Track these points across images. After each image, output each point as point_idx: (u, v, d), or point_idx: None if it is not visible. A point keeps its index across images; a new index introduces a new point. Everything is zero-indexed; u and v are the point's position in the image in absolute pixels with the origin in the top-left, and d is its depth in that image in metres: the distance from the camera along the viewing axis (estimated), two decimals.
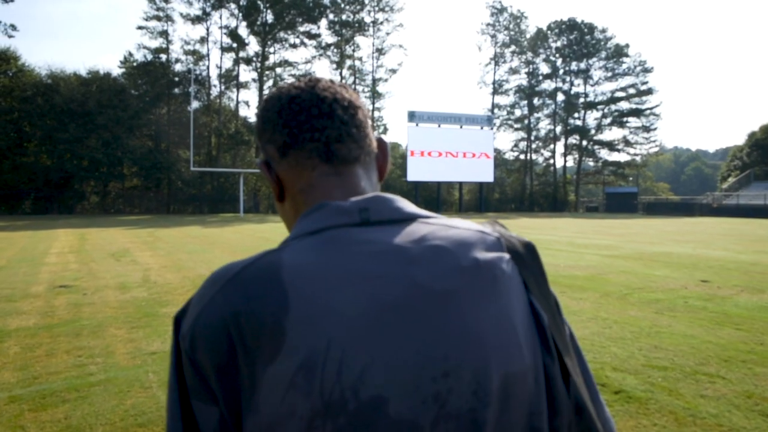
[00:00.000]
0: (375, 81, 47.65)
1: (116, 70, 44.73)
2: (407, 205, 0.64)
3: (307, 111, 0.66)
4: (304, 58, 50.47)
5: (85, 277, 8.35)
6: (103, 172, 35.77)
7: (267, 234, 17.57)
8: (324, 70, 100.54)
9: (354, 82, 47.56)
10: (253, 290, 0.54)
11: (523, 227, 21.75)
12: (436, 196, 46.71)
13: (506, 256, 0.61)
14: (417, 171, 42.25)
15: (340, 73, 46.48)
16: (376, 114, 48.44)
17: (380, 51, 47.60)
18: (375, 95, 47.68)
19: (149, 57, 41.27)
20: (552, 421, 0.59)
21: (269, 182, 0.69)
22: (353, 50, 47.08)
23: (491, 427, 0.54)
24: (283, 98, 0.67)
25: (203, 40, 42.86)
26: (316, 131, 0.65)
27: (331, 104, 0.66)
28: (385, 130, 49.07)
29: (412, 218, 0.62)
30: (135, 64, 41.20)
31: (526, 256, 0.63)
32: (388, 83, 75.70)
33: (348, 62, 46.77)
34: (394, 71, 48.13)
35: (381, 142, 0.73)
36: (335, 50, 45.96)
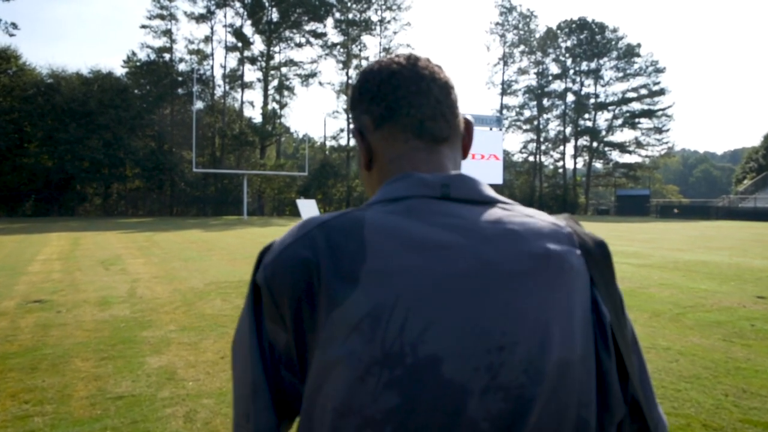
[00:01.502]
0: None
1: (119, 70, 44.05)
2: (488, 189, 0.67)
3: (406, 87, 0.69)
4: (309, 57, 50.05)
5: (65, 290, 7.50)
6: (104, 174, 35.09)
7: (271, 239, 16.70)
8: (330, 69, 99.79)
9: None
10: (336, 237, 0.59)
11: None
12: None
13: (577, 251, 0.63)
14: None
15: (347, 73, 45.67)
16: None
17: (387, 50, 46.74)
18: None
19: (152, 56, 40.65)
20: (601, 415, 0.61)
21: (360, 150, 0.73)
22: (360, 50, 46.30)
23: (538, 406, 0.56)
24: (384, 72, 0.70)
25: (207, 40, 42.21)
26: (412, 107, 0.68)
27: (429, 83, 0.69)
28: None
29: (491, 201, 0.65)
30: (138, 63, 40.55)
31: (597, 254, 0.65)
32: None
33: (354, 62, 45.95)
34: None
35: (467, 123, 0.76)
36: (341, 50, 45.18)
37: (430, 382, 0.54)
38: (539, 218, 0.65)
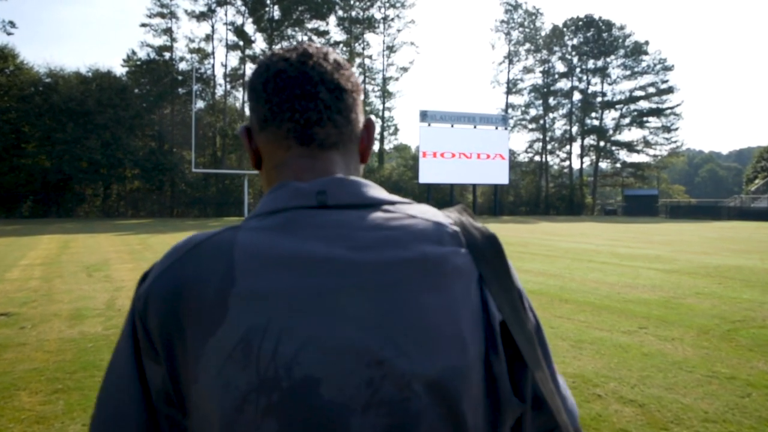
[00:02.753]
0: (385, 80, 46.09)
1: (119, 70, 43.45)
2: (369, 190, 0.63)
3: (290, 89, 0.64)
4: None
5: (38, 301, 6.78)
6: (103, 174, 34.41)
7: None
8: None
9: (364, 81, 45.98)
10: (204, 263, 0.57)
11: (546, 233, 20.01)
12: (449, 199, 44.94)
13: (462, 249, 0.61)
14: (429, 173, 40.59)
15: None
16: (387, 114, 46.85)
17: (391, 49, 46.04)
18: (385, 94, 46.12)
19: (152, 55, 39.99)
20: (493, 417, 0.59)
21: (247, 150, 0.70)
22: (363, 48, 45.58)
23: (426, 418, 0.54)
24: (271, 70, 0.65)
25: (208, 38, 41.54)
26: (296, 112, 0.64)
27: (317, 84, 0.64)
28: (396, 131, 47.60)
29: (372, 204, 0.62)
30: (138, 62, 39.91)
31: (487, 250, 0.62)
32: (399, 82, 74.00)
33: (358, 60, 45.22)
34: (405, 69, 46.56)
35: (368, 123, 0.71)
36: (344, 48, 44.42)
37: (309, 405, 0.52)
38: (422, 218, 0.62)
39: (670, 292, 7.28)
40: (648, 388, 3.72)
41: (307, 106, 0.64)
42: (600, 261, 10.78)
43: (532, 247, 13.75)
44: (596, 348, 4.68)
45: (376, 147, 46.96)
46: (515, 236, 18.07)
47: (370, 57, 46.18)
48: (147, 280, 0.60)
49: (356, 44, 44.97)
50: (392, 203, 0.63)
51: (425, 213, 0.63)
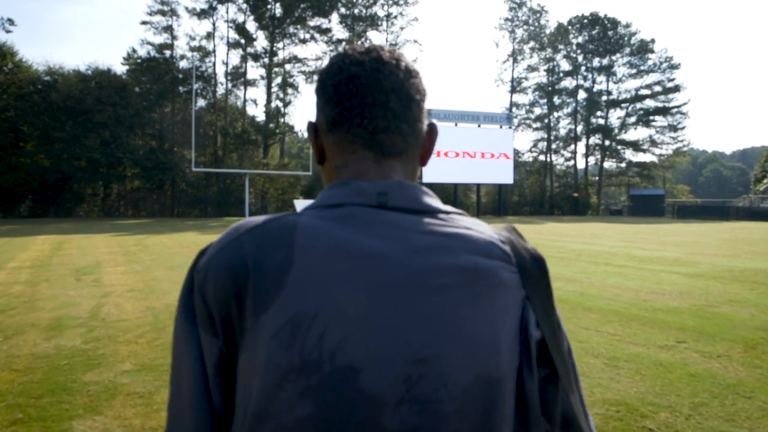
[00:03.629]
0: None
1: (120, 68, 43.03)
2: (428, 198, 0.65)
3: (362, 96, 0.65)
4: (314, 54, 48.46)
5: (18, 308, 6.27)
6: (102, 173, 33.90)
7: None
8: None
9: None
10: (266, 242, 0.59)
11: (555, 234, 19.46)
12: (452, 199, 44.37)
13: (511, 267, 0.62)
14: (433, 172, 39.98)
15: None
16: None
17: (394, 46, 45.40)
18: None
19: (153, 53, 39.52)
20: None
21: (312, 146, 0.71)
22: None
23: (454, 422, 0.56)
24: (344, 73, 0.66)
25: (209, 36, 41.04)
26: (365, 119, 0.65)
27: (388, 93, 0.65)
28: None
29: (431, 211, 0.63)
30: (138, 60, 39.44)
31: (534, 271, 0.64)
32: None
33: None
34: None
35: (431, 128, 0.72)
36: (347, 46, 43.85)
37: (346, 392, 0.54)
38: (476, 230, 0.63)
39: (701, 300, 6.73)
40: (705, 419, 3.18)
41: (376, 114, 0.65)
42: (617, 264, 10.23)
43: (543, 249, 13.20)
44: (634, 367, 4.14)
45: None
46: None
47: None
48: (206, 255, 0.62)
49: (359, 42, 44.38)
50: (447, 213, 0.64)
51: (479, 226, 0.65)
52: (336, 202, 0.62)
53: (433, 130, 0.72)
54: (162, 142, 38.33)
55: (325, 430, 0.54)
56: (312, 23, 42.44)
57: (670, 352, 4.51)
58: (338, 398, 0.53)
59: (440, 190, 44.92)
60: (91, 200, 36.12)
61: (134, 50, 40.46)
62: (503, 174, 43.31)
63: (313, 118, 0.71)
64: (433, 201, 0.64)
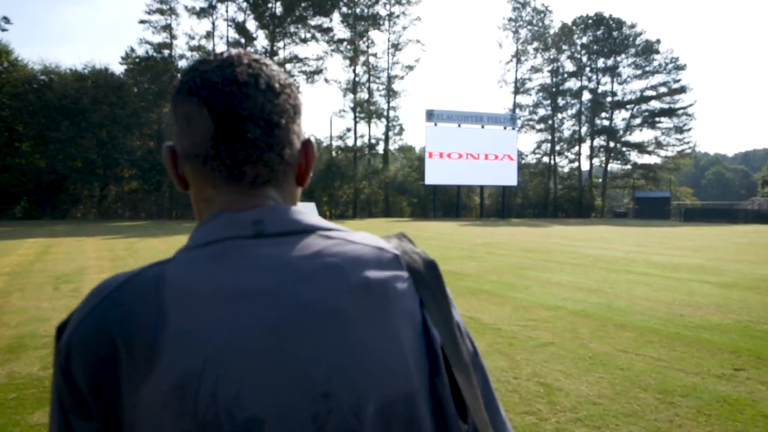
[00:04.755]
0: (390, 78, 44.87)
1: (118, 68, 42.41)
2: (307, 216, 0.61)
3: (216, 128, 0.57)
4: (315, 54, 47.59)
5: None
6: (98, 174, 33.25)
7: None
8: (336, 66, 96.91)
9: (368, 80, 44.82)
10: (132, 305, 0.52)
11: (564, 237, 18.75)
12: (455, 201, 43.70)
13: (404, 274, 0.60)
14: (435, 174, 39.35)
15: (354, 70, 43.77)
16: (392, 114, 45.63)
17: (396, 46, 44.81)
18: (390, 93, 44.89)
19: (151, 52, 38.89)
20: None
21: (171, 173, 0.63)
22: (368, 46, 44.37)
23: None
24: (194, 98, 0.58)
25: (209, 35, 40.44)
26: (222, 152, 0.58)
27: (246, 122, 0.58)
28: (401, 131, 46.27)
29: (310, 230, 0.59)
30: (136, 60, 38.82)
31: (427, 275, 0.61)
32: (404, 81, 71.62)
33: (362, 58, 44.05)
34: (410, 68, 45.31)
35: (306, 145, 0.65)
36: (348, 46, 43.27)
37: None
38: (362, 243, 0.60)
39: (743, 315, 6.03)
40: None
41: (234, 147, 0.58)
42: (639, 272, 9.52)
43: (556, 255, 12.50)
44: (694, 404, 3.44)
45: (380, 147, 45.82)
46: (533, 241, 16.81)
47: (374, 55, 44.99)
48: (66, 331, 0.54)
49: (361, 42, 43.78)
50: (329, 229, 0.61)
51: (364, 239, 0.61)
52: (209, 239, 0.56)
53: (309, 148, 0.65)
54: (160, 143, 37.65)
55: None
56: (313, 22, 41.80)
57: (731, 384, 3.82)
58: None
59: (443, 191, 44.22)
60: (88, 202, 35.48)
61: (132, 49, 39.83)
62: (507, 176, 42.59)
63: (170, 143, 0.63)
64: (314, 219, 0.60)
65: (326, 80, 44.43)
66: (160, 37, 39.55)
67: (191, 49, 40.27)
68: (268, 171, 0.60)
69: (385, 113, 44.96)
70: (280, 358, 0.51)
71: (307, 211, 0.61)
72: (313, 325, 0.53)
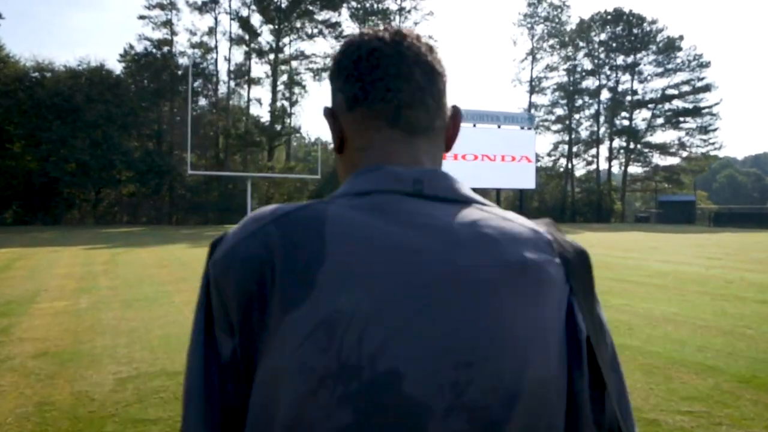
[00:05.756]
0: None
1: (116, 65, 40.54)
2: (465, 188, 0.61)
3: (384, 68, 0.61)
4: (323, 51, 45.39)
5: None
6: (93, 177, 31.19)
7: None
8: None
9: None
10: (294, 234, 0.53)
11: (609, 247, 16.56)
12: None
13: (557, 260, 0.58)
14: None
15: None
16: None
17: None
18: None
19: (151, 49, 37.00)
20: None
21: (331, 132, 0.67)
22: None
23: (503, 428, 0.51)
24: (363, 47, 0.62)
25: (211, 31, 38.56)
26: (389, 91, 0.61)
27: (412, 66, 0.61)
28: None
29: (467, 201, 0.60)
30: (135, 56, 36.92)
31: (577, 265, 0.59)
32: None
33: None
34: None
35: (454, 111, 0.68)
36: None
37: (388, 400, 0.48)
38: (518, 222, 0.59)
39: None
40: None
41: (401, 87, 0.61)
42: (755, 298, 7.33)
43: (620, 271, 10.32)
44: None
45: None
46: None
47: None
48: (223, 245, 0.56)
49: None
50: (485, 204, 0.61)
51: (519, 218, 0.61)
52: (367, 189, 0.57)
53: (457, 113, 0.67)
54: (160, 144, 35.77)
55: None
56: (320, 17, 39.84)
57: None
58: (380, 406, 0.48)
59: None
60: (83, 206, 33.51)
61: (131, 46, 37.91)
62: (525, 178, 40.27)
63: (328, 105, 0.67)
64: (470, 192, 0.61)
65: None
66: (160, 34, 37.74)
67: (192, 45, 38.43)
68: (427, 117, 0.63)
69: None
70: (429, 317, 0.51)
71: (463, 183, 0.61)
72: (466, 291, 0.52)
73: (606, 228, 31.89)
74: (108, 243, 17.47)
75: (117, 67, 36.68)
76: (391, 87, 0.60)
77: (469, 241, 0.54)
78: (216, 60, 39.01)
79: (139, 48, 37.36)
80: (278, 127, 38.83)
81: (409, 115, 0.61)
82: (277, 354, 0.50)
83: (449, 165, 36.81)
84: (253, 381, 0.52)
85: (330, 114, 0.66)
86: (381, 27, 0.64)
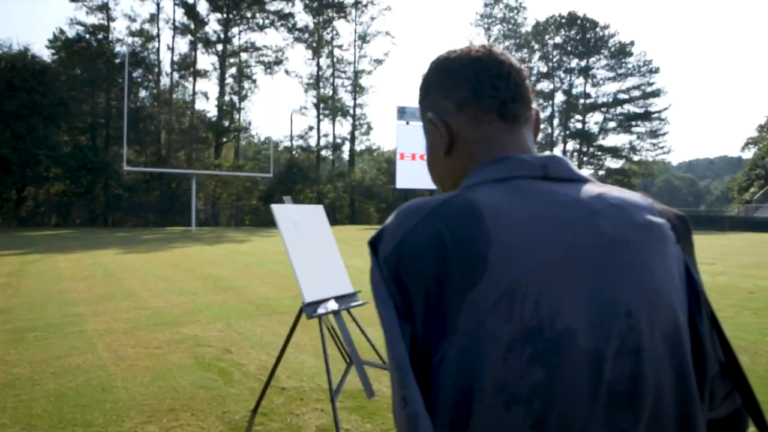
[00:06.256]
0: (357, 73, 41.33)
1: (44, 51, 37.00)
2: (577, 168, 0.70)
3: (488, 71, 0.72)
4: (275, 44, 42.67)
5: None
6: (14, 174, 27.95)
7: (222, 260, 10.91)
8: (298, 58, 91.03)
9: (333, 74, 41.11)
10: (456, 221, 0.60)
11: None
12: None
13: (668, 224, 0.67)
14: (407, 177, 35.88)
15: (317, 63, 40.01)
16: (358, 111, 42.04)
17: (364, 38, 41.35)
18: (357, 89, 41.32)
19: (84, 35, 33.86)
20: (699, 375, 0.63)
21: (438, 136, 0.75)
22: (332, 36, 40.70)
23: (661, 365, 0.60)
24: (464, 58, 0.74)
25: (153, 18, 35.75)
26: (495, 89, 0.71)
27: (508, 68, 0.73)
28: (369, 130, 42.82)
29: (584, 179, 0.69)
30: (66, 42, 33.67)
31: (681, 228, 0.68)
32: (372, 76, 66.95)
33: (326, 50, 40.34)
34: (379, 62, 42.10)
35: (536, 113, 0.77)
36: (311, 36, 39.44)
37: (569, 353, 0.56)
38: (630, 193, 0.68)
39: None
40: None
41: (505, 86, 0.71)
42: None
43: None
44: None
45: (346, 148, 42.21)
46: None
47: (340, 47, 41.37)
48: (387, 242, 0.63)
49: (324, 31, 40.04)
50: (595, 181, 0.69)
51: (625, 191, 0.69)
52: (503, 176, 0.66)
53: (538, 114, 0.77)
54: (94, 139, 32.71)
55: (557, 392, 0.56)
56: (272, 7, 37.86)
57: None
58: (564, 359, 0.56)
59: (414, 196, 41.00)
60: (3, 206, 30.01)
61: (62, 31, 34.57)
62: None
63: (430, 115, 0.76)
64: (582, 172, 0.69)
65: (287, 72, 40.58)
66: (95, 19, 34.63)
67: (132, 33, 35.55)
68: (526, 108, 0.73)
69: (351, 111, 41.36)
70: (589, 278, 0.59)
71: (570, 165, 0.69)
72: (613, 252, 0.61)
73: None
74: (24, 248, 15.01)
75: (45, 54, 33.39)
76: (496, 85, 0.71)
77: (603, 210, 0.63)
78: (158, 49, 36.31)
79: (71, 33, 34.17)
80: (226, 123, 36.49)
81: (512, 107, 0.71)
82: (461, 331, 0.57)
83: (408, 165, 35.66)
84: (442, 360, 0.58)
85: (439, 120, 0.73)
86: (465, 46, 0.75)
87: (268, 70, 37.71)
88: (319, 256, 3.05)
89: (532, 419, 0.56)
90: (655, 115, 46.94)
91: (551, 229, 0.61)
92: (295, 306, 6.58)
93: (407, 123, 36.21)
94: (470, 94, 0.71)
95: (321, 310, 2.77)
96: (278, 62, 38.36)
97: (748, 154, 53.45)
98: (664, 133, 47.30)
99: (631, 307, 0.59)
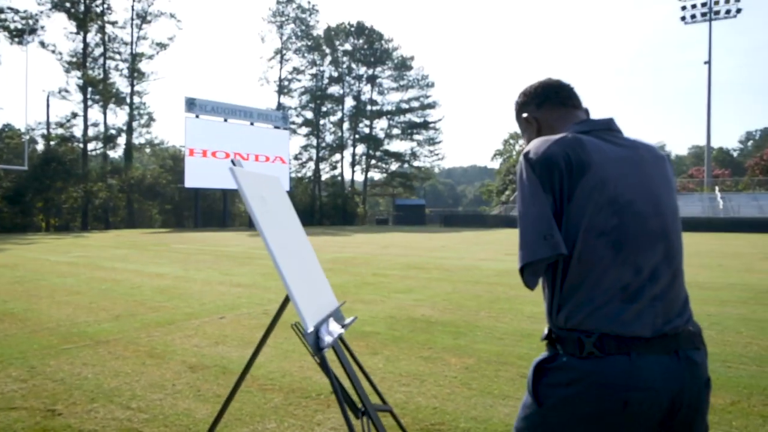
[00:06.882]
0: (136, 56, 36.38)
1: None
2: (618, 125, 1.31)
3: (554, 88, 1.36)
4: (26, 9, 33.96)
5: None
6: None
7: None
8: (58, 30, 71.99)
9: (104, 54, 35.44)
10: (570, 147, 1.15)
11: (405, 247, 15.90)
12: (221, 208, 37.66)
13: (666, 156, 1.32)
14: (197, 175, 32.88)
15: (84, 38, 34.04)
16: (137, 100, 37.04)
17: (144, 18, 36.58)
18: (136, 74, 36.35)
19: None
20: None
21: (531, 128, 1.38)
22: (103, 10, 35.03)
23: (675, 223, 1.23)
24: (542, 84, 1.38)
25: None
26: (559, 94, 1.36)
27: (565, 86, 1.37)
28: (150, 122, 37.96)
29: (622, 131, 1.29)
30: None
31: (668, 160, 1.33)
32: (154, 61, 59.68)
33: (95, 26, 34.55)
34: (163, 46, 37.59)
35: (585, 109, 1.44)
36: (78, 6, 33.33)
37: (630, 210, 1.14)
38: (646, 141, 1.30)
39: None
40: None
41: (563, 92, 1.36)
42: None
43: (468, 273, 9.24)
44: None
45: (122, 141, 36.83)
46: (405, 255, 13.37)
47: (113, 23, 35.84)
48: (537, 152, 1.17)
49: (93, 3, 34.25)
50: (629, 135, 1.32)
51: (643, 140, 1.34)
52: (586, 129, 1.24)
53: (586, 110, 1.43)
54: None
55: (624, 230, 1.13)
56: None
57: None
58: (628, 214, 1.14)
59: (204, 196, 37.73)
60: None
61: None
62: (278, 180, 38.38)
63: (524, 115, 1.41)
64: (621, 128, 1.31)
65: (43, 44, 33.24)
66: None
67: None
68: (579, 103, 1.37)
69: (127, 98, 36.20)
70: (639, 178, 1.19)
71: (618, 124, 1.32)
72: (650, 169, 1.22)
73: (368, 230, 32.40)
74: None
75: None
76: (560, 93, 1.36)
77: (642, 147, 1.26)
78: None
79: None
80: None
81: (571, 97, 1.36)
82: (576, 199, 1.13)
83: (198, 162, 32.62)
84: (567, 216, 1.14)
85: (532, 118, 1.37)
86: (542, 79, 1.40)
87: (17, 40, 30.50)
88: (298, 250, 1.91)
89: (612, 242, 1.11)
90: (432, 125, 51.98)
91: (618, 153, 1.19)
92: (124, 330, 4.88)
93: (197, 116, 33.19)
94: (544, 97, 1.36)
95: (328, 338, 1.66)
96: (33, 30, 31.39)
97: (495, 164, 63.19)
98: (439, 142, 52.70)
99: (658, 194, 1.20)
